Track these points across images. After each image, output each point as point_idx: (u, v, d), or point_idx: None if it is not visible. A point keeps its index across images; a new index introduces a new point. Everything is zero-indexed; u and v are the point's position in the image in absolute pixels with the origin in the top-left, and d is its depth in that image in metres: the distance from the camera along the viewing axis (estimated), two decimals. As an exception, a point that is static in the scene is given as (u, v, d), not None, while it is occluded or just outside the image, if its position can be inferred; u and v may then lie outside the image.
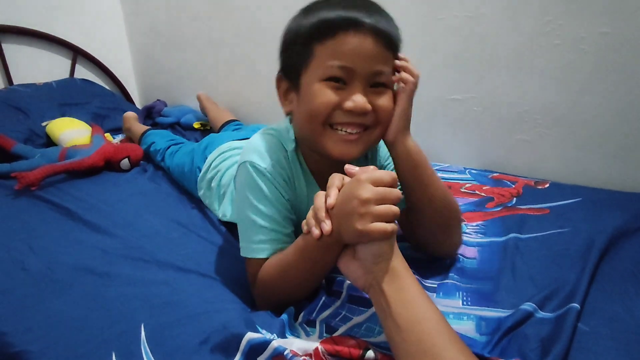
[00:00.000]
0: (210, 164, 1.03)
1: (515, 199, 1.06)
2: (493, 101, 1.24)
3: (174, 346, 0.59)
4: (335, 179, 0.55)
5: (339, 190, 0.54)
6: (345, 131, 0.61)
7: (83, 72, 1.92)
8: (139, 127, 1.54)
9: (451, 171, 1.28)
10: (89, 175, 1.23)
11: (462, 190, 1.14)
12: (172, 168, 1.21)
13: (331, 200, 0.53)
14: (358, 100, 0.59)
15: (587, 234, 0.83)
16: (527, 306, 0.65)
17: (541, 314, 0.63)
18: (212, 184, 1.01)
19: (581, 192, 1.05)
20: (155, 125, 1.78)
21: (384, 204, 0.51)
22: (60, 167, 1.18)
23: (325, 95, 0.59)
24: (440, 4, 1.22)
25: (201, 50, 1.84)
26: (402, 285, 0.51)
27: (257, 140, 0.71)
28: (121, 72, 2.06)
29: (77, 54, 1.86)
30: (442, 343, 0.46)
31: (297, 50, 0.62)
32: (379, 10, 0.62)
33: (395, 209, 0.51)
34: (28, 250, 0.83)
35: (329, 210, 0.54)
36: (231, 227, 0.95)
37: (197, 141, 1.35)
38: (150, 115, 1.84)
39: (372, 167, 0.54)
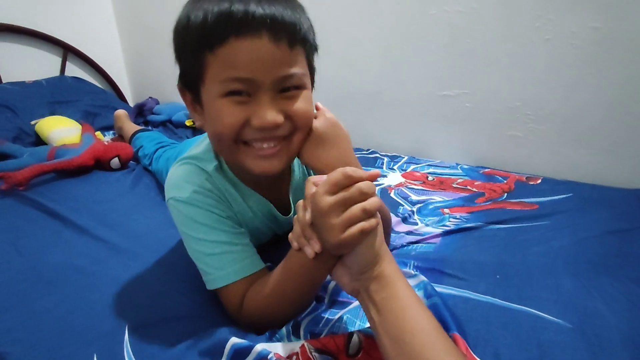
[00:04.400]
0: None
1: (506, 194, 1.06)
2: (484, 97, 1.23)
3: (158, 349, 0.58)
4: (310, 188, 0.50)
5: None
6: (261, 146, 0.55)
7: (74, 70, 1.90)
8: (131, 127, 1.52)
9: (443, 167, 1.28)
10: (79, 175, 1.21)
11: (454, 185, 1.14)
12: (157, 172, 1.20)
13: (307, 216, 0.49)
14: (266, 116, 0.51)
15: (565, 228, 0.85)
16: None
17: (501, 302, 0.65)
18: None
19: (573, 187, 1.05)
20: (147, 124, 1.77)
21: (352, 205, 0.46)
22: (49, 167, 1.17)
23: (229, 114, 0.52)
24: (431, -1, 1.22)
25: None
26: (392, 293, 0.47)
27: (172, 175, 0.66)
28: (113, 70, 2.05)
29: (67, 51, 1.85)
30: (436, 355, 0.43)
31: (188, 58, 0.54)
32: None
33: (363, 205, 0.45)
34: (13, 251, 0.82)
35: (311, 226, 0.49)
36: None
37: (188, 139, 1.34)
38: (141, 113, 1.83)
39: (339, 169, 0.47)
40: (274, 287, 0.58)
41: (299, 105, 0.54)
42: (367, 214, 0.46)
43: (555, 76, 1.11)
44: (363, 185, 0.46)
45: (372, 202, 0.46)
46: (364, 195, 0.46)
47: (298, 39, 0.52)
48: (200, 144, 0.68)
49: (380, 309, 0.47)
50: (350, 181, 0.46)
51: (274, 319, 0.60)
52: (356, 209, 0.45)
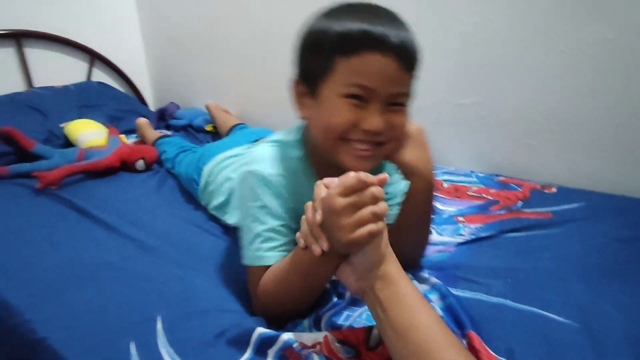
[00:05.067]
0: (209, 177, 1.05)
1: (521, 202, 1.07)
2: (498, 106, 1.26)
3: (190, 338, 0.62)
4: (321, 190, 0.53)
5: None
6: (359, 147, 0.61)
7: (100, 76, 1.98)
8: (152, 134, 1.58)
9: (458, 174, 1.30)
10: (106, 176, 1.27)
11: (469, 193, 1.16)
12: (179, 176, 1.25)
13: (318, 216, 0.52)
14: (375, 122, 0.59)
15: (577, 235, 0.87)
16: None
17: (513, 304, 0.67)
18: (214, 197, 1.02)
19: (586, 196, 1.06)
20: (169, 128, 1.83)
21: (362, 208, 0.49)
22: (78, 168, 1.23)
23: (344, 113, 0.59)
24: (447, 10, 1.25)
25: (214, 55, 1.89)
26: (396, 291, 0.50)
27: (261, 151, 0.72)
28: (136, 76, 2.12)
29: (94, 58, 1.92)
30: (440, 348, 0.46)
31: (318, 59, 0.61)
32: (404, 28, 0.60)
33: (373, 209, 0.49)
34: (49, 246, 0.87)
35: (320, 225, 0.52)
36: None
37: (208, 143, 1.38)
38: (163, 117, 1.89)
39: (352, 173, 0.49)
40: (280, 279, 0.62)
41: (401, 120, 0.63)
42: (376, 217, 0.49)
43: (569, 86, 1.13)
44: (375, 190, 0.49)
45: (381, 207, 0.49)
46: (375, 200, 0.49)
47: (414, 65, 0.61)
48: (291, 132, 0.74)
49: (385, 306, 0.50)
50: (363, 185, 0.49)
51: (281, 310, 0.65)
52: (366, 211, 0.49)
